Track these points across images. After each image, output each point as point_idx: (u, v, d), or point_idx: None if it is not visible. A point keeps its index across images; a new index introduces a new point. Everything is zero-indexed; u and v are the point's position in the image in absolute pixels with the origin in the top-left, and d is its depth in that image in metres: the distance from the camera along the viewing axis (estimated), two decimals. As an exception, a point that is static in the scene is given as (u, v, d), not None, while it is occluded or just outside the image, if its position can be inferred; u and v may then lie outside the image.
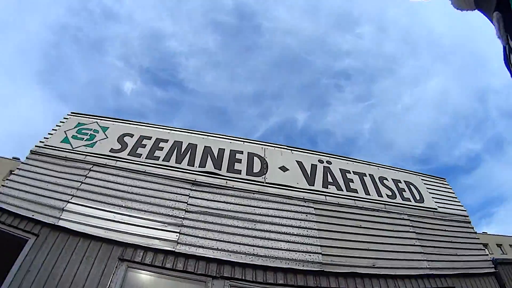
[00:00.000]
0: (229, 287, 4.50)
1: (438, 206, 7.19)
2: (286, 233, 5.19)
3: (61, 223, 4.55)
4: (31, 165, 5.36)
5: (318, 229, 5.45)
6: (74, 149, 5.48)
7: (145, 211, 4.87)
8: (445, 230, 6.74)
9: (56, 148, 5.45)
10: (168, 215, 4.88)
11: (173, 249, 4.53)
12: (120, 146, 5.66)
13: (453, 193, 7.87)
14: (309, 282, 4.85)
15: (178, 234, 4.68)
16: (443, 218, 6.99)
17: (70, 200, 4.80)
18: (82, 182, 5.04)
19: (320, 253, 5.12)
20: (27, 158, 5.49)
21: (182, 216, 4.90)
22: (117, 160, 5.41)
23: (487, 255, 7.02)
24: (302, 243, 5.15)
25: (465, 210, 7.49)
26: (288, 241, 5.10)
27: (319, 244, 5.24)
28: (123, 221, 4.71)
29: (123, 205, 4.86)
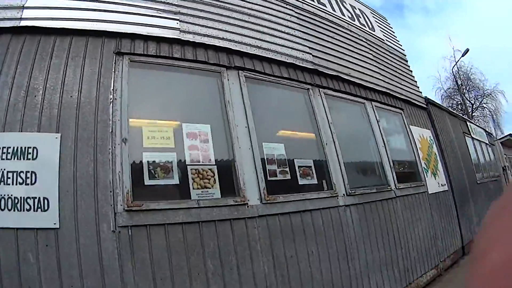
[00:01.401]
0: (244, 78, 4.63)
1: (385, 39, 8.24)
2: (281, 31, 5.62)
3: (25, 23, 3.72)
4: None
5: (306, 33, 6.03)
6: None
7: (129, -5, 4.40)
8: (392, 61, 7.99)
9: None
10: (160, 1, 4.57)
11: (178, 37, 4.40)
12: None
13: (394, 32, 9.10)
14: (306, 78, 5.56)
15: (178, 22, 4.53)
16: (389, 50, 8.13)
17: (29, -5, 3.92)
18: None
19: (311, 54, 5.80)
20: None
21: (177, 3, 4.67)
22: None
23: (421, 92, 8.52)
24: (294, 42, 5.71)
25: (404, 50, 8.96)
26: (284, 39, 5.57)
27: (310, 46, 5.90)
28: (106, 9, 4.16)
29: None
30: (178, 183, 3.80)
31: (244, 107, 4.54)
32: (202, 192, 3.85)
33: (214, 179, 3.98)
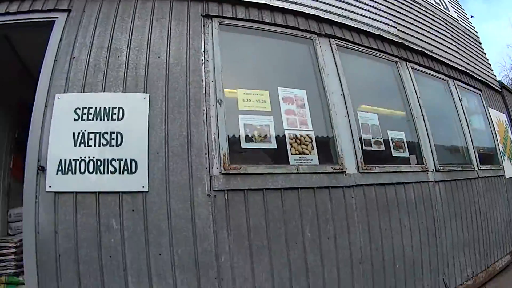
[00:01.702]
0: (335, 46, 4.42)
1: (459, 20, 7.81)
2: (366, 4, 5.31)
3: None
4: None
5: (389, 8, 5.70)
6: None
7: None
8: (467, 41, 7.52)
9: None
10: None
11: (267, 2, 4.18)
12: None
13: (466, 14, 8.64)
14: (394, 51, 5.28)
15: (265, -10, 4.32)
16: (464, 31, 7.65)
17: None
18: None
19: (396, 28, 5.50)
20: None
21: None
22: None
23: (495, 76, 8.20)
24: (379, 15, 5.40)
25: (477, 32, 8.48)
26: (370, 11, 5.27)
27: (394, 20, 5.58)
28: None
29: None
30: (276, 147, 3.57)
31: (338, 75, 4.29)
32: (300, 158, 3.63)
33: (312, 145, 3.75)
